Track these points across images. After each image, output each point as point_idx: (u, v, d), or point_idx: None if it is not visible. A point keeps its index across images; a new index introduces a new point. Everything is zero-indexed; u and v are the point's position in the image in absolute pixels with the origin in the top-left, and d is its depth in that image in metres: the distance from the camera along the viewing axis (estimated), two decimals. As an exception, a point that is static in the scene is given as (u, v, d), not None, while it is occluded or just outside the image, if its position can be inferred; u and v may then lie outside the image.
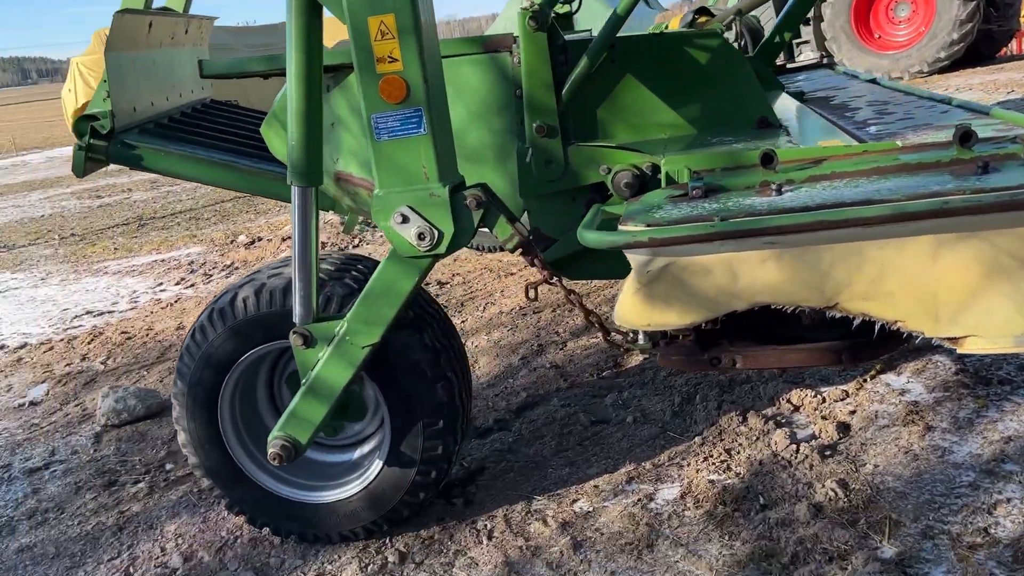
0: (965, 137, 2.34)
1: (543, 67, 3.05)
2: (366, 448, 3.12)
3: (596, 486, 3.16)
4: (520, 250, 2.59)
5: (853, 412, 3.33)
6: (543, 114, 3.08)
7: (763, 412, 3.43)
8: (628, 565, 2.72)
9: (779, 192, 2.33)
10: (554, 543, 2.87)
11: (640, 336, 2.62)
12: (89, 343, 5.89)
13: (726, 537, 2.76)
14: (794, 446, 3.11)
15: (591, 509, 3.03)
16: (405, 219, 2.50)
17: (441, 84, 2.55)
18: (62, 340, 6.13)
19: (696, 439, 3.35)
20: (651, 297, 2.30)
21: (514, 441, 3.59)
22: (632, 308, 2.34)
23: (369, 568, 2.89)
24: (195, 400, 2.92)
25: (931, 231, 2.08)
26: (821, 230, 2.09)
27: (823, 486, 2.89)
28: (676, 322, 2.36)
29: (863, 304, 2.21)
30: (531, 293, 2.78)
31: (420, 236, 2.51)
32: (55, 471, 3.97)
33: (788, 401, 3.49)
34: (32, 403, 4.94)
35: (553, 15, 3.30)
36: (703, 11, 5.74)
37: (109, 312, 6.69)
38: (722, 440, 3.30)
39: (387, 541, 3.01)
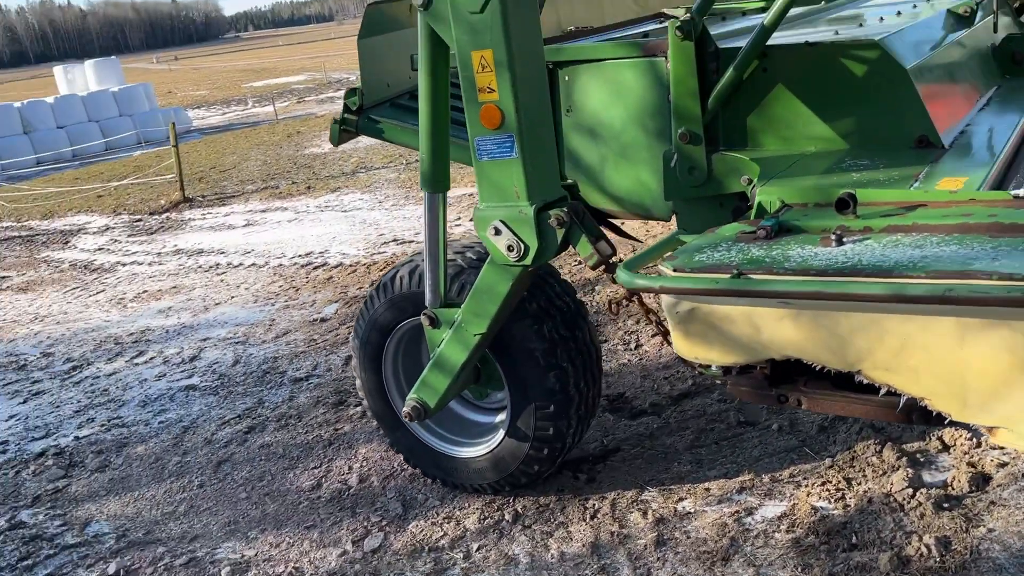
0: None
1: (689, 76, 3.08)
2: (502, 416, 3.50)
3: (707, 489, 3.26)
4: (601, 267, 2.75)
5: (1004, 465, 3.02)
6: (688, 121, 3.13)
7: (905, 446, 3.23)
8: (697, 573, 2.85)
9: (839, 243, 2.24)
10: (642, 536, 3.07)
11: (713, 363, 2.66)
12: (381, 270, 6.90)
13: (799, 568, 2.77)
14: (910, 490, 2.94)
15: (692, 511, 3.16)
16: (498, 232, 2.79)
17: (541, 111, 2.75)
18: (365, 264, 7.23)
19: (826, 460, 3.27)
20: (689, 335, 2.38)
21: (658, 428, 3.75)
22: (678, 342, 2.43)
23: (487, 520, 3.32)
24: (365, 355, 3.50)
25: (955, 313, 1.92)
26: (823, 299, 2.02)
27: (921, 539, 2.73)
28: (719, 360, 2.41)
29: (886, 376, 2.10)
30: (614, 308, 2.92)
31: (509, 248, 2.79)
32: (310, 383, 4.89)
33: (939, 439, 3.24)
34: (322, 319, 6.00)
35: None
36: None
37: (409, 241, 7.71)
38: (851, 467, 3.20)
39: (510, 500, 3.41)
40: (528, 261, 2.79)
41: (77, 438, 4.61)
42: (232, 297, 6.96)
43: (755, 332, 2.24)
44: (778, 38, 3.24)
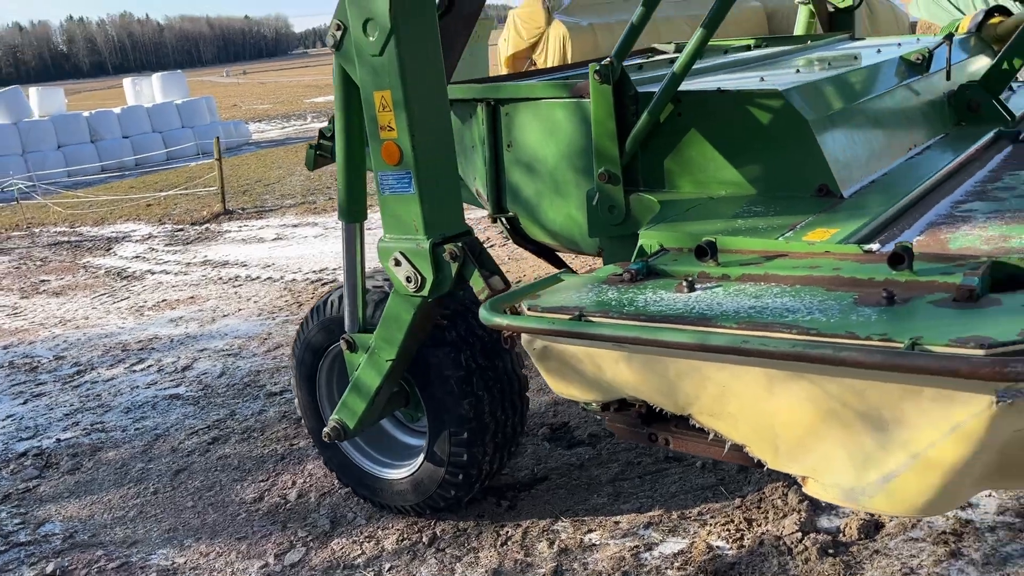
0: (896, 258, 2.09)
1: (607, 118, 3.16)
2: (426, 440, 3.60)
3: (617, 522, 3.31)
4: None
5: (902, 515, 3.00)
6: (607, 161, 3.20)
7: (813, 490, 3.23)
8: (584, 605, 2.90)
9: (691, 289, 2.29)
10: (543, 566, 3.13)
11: (593, 399, 2.72)
12: (381, 289, 7.06)
13: (680, 607, 2.79)
14: (800, 534, 2.94)
15: (596, 543, 3.21)
16: (398, 263, 2.91)
17: (440, 150, 2.86)
18: (369, 283, 7.40)
19: (736, 500, 3.29)
20: (549, 371, 2.45)
21: (590, 459, 3.80)
22: (544, 377, 2.50)
23: (404, 542, 3.42)
24: (300, 374, 3.64)
25: (763, 364, 1.96)
26: (640, 344, 2.08)
27: (799, 585, 2.74)
28: (581, 397, 2.48)
29: (711, 421, 2.15)
30: (505, 341, 2.99)
31: (408, 279, 2.90)
32: (283, 398, 5.06)
33: (848, 484, 3.23)
34: (314, 335, 6.16)
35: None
36: (1000, 9, 5.00)
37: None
38: (757, 508, 3.21)
39: (431, 523, 3.50)
40: (425, 292, 2.90)
41: (59, 440, 4.85)
42: (240, 309, 7.21)
43: (599, 372, 2.31)
44: (700, 84, 3.31)
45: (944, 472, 1.81)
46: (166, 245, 10.76)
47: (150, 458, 4.49)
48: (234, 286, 8.12)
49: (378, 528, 3.54)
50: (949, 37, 3.86)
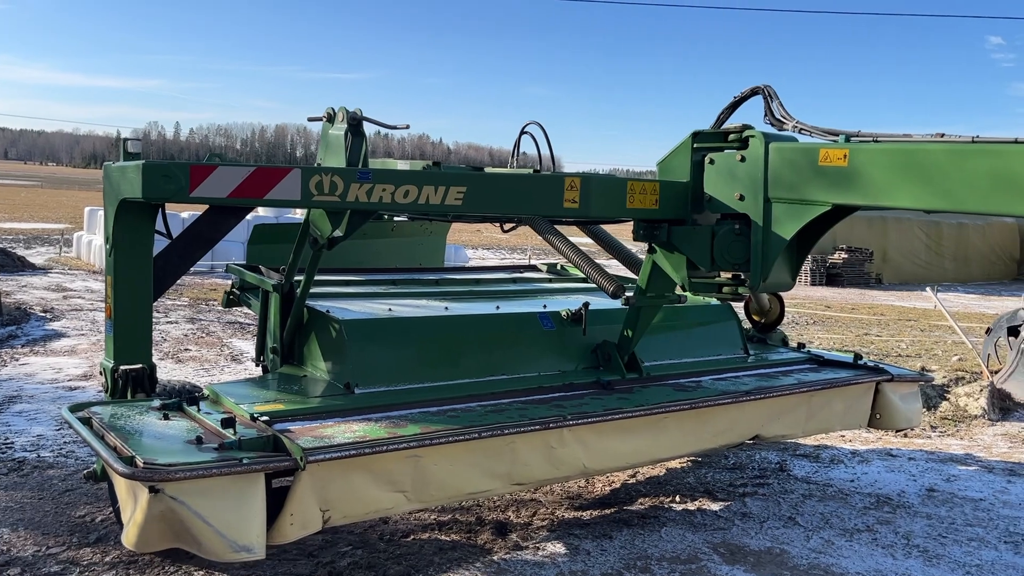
0: (223, 423, 3.59)
1: (276, 314, 4.84)
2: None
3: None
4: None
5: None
6: (275, 340, 4.87)
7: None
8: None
9: (166, 419, 3.83)
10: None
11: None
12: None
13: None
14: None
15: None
16: (101, 373, 4.70)
17: (131, 314, 4.53)
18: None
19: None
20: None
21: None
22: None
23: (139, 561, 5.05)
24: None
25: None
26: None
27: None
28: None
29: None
30: None
31: (102, 385, 4.69)
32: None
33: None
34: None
35: None
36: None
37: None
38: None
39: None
40: (108, 396, 4.67)
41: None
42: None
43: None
44: (334, 303, 4.91)
45: (139, 527, 3.09)
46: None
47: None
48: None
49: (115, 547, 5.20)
50: (586, 305, 5.07)
